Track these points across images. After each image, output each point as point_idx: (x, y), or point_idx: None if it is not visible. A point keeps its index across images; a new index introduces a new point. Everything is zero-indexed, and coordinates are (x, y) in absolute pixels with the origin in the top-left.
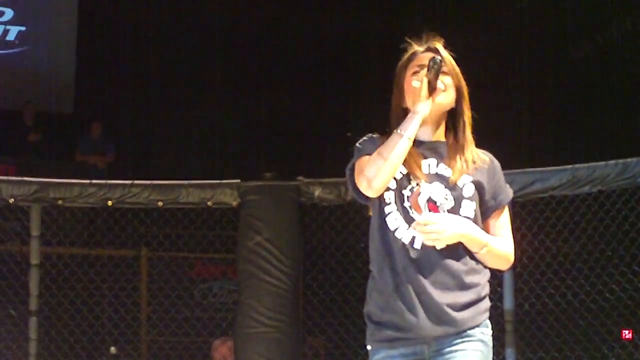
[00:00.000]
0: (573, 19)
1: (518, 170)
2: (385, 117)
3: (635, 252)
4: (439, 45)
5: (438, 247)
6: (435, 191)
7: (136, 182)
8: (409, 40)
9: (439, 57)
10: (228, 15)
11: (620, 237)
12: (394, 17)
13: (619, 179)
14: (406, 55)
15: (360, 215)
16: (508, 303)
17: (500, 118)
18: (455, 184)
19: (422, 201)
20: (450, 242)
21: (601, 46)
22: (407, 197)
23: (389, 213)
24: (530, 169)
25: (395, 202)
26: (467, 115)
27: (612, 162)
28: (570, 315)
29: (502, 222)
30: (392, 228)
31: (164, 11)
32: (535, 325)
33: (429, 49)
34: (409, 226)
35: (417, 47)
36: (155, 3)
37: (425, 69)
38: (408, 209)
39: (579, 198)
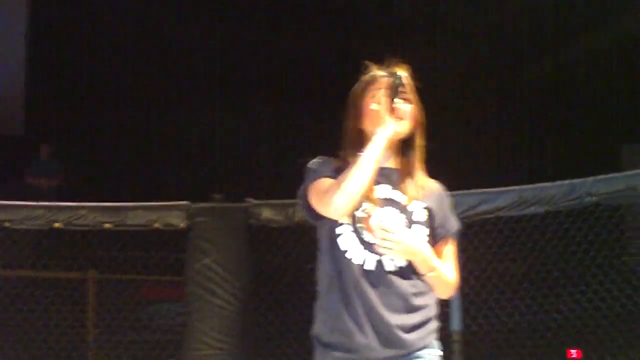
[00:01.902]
0: (530, 39)
1: (464, 192)
2: (334, 139)
3: (581, 272)
4: (403, 72)
5: (388, 258)
6: (388, 214)
7: (83, 204)
8: (368, 63)
9: (401, 76)
10: (177, 37)
11: (567, 258)
12: (350, 39)
13: (566, 200)
14: (365, 77)
15: (308, 237)
16: (455, 323)
17: (447, 139)
18: (407, 209)
19: (374, 223)
20: (402, 257)
21: (560, 65)
22: (360, 218)
23: (340, 234)
24: (477, 190)
25: (348, 223)
26: (420, 144)
27: (558, 182)
28: (517, 335)
29: (448, 251)
30: (343, 248)
31: (116, 32)
32: (483, 345)
33: (390, 74)
34: (363, 247)
35: (377, 71)
36: (107, 23)
37: (384, 89)
38: (360, 230)
39: (525, 218)
